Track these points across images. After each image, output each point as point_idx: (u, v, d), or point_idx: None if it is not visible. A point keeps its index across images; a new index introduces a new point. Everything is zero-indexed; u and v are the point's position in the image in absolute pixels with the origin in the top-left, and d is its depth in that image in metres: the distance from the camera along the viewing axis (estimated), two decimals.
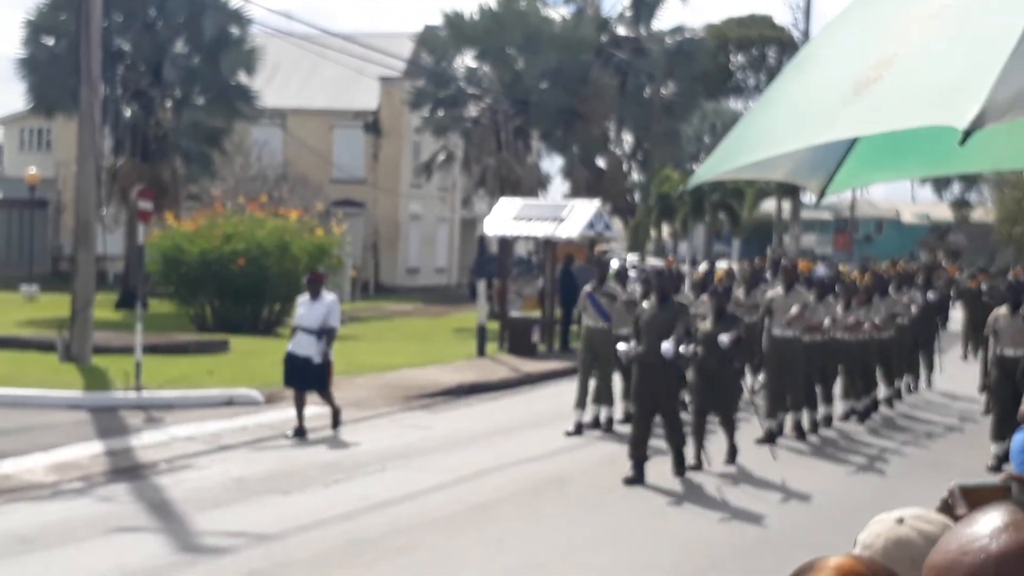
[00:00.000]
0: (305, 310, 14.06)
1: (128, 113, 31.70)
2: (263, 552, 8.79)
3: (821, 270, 29.80)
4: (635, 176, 51.92)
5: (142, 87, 31.78)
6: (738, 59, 68.89)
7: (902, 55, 2.10)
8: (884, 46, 2.18)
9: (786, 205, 60.74)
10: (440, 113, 41.22)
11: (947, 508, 1.74)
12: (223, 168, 35.45)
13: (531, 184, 40.32)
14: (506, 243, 29.67)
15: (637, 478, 11.56)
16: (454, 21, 40.87)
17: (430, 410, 16.36)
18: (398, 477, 11.67)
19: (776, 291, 14.93)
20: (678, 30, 46.43)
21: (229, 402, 15.96)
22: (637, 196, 52.45)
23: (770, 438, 13.87)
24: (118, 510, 10.06)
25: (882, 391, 17.34)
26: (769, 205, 63.64)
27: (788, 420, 14.64)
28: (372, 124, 45.22)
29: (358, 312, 32.57)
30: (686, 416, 12.82)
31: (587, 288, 15.43)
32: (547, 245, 29.10)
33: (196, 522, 9.63)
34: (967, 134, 1.79)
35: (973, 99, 1.79)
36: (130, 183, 30.19)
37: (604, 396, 15.00)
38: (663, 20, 48.97)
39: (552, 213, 30.06)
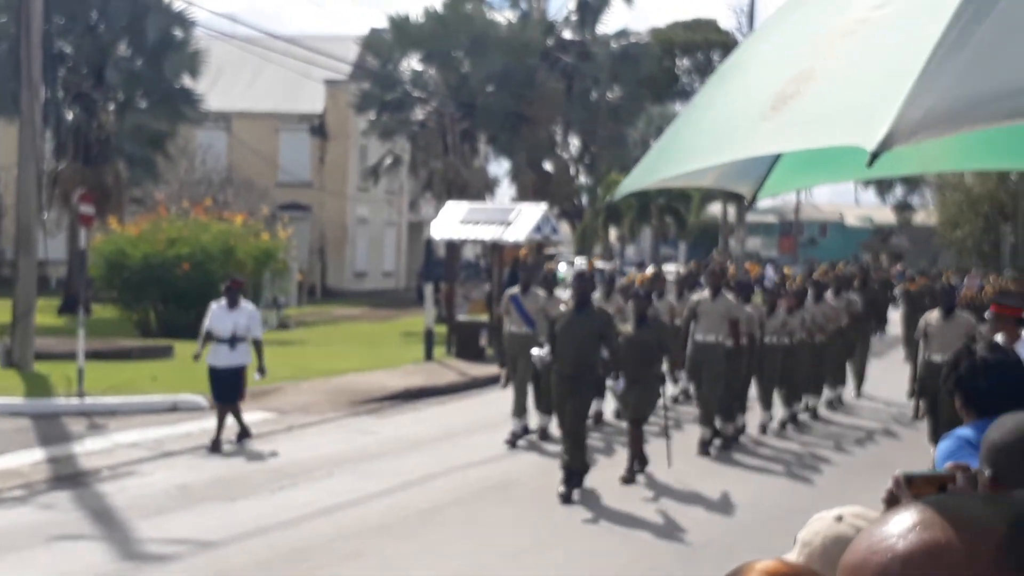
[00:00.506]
0: (218, 319, 13.42)
1: (70, 116, 31.33)
2: (207, 559, 8.72)
3: (770, 273, 29.58)
4: (582, 180, 52.09)
5: (84, 90, 31.42)
6: (684, 63, 69.35)
7: (819, 71, 2.12)
8: (802, 61, 2.19)
9: (731, 209, 61.21)
10: (386, 116, 41.11)
11: (893, 500, 1.75)
12: (167, 172, 35.14)
13: (478, 188, 40.33)
14: (453, 247, 29.65)
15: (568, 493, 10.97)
16: (399, 24, 40.78)
17: (377, 415, 16.31)
18: (344, 483, 11.61)
19: (702, 295, 14.40)
20: (623, 34, 46.64)
21: (173, 408, 15.82)
22: (584, 200, 52.63)
23: (704, 448, 13.59)
24: (60, 518, 9.93)
25: (813, 397, 16.80)
26: (715, 208, 64.06)
27: (720, 423, 14.13)
28: (318, 127, 45.02)
29: (304, 316, 32.39)
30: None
31: (512, 291, 14.79)
32: (494, 249, 29.12)
33: (139, 529, 9.53)
34: (874, 156, 1.81)
35: (882, 120, 1.80)
36: (72, 187, 29.82)
37: (517, 408, 14.09)
38: (608, 24, 49.35)
39: (499, 217, 30.09)
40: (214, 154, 40.98)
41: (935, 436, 15.20)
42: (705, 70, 67.49)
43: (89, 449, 12.83)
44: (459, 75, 41.12)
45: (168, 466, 12.21)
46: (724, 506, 11.13)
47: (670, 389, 15.92)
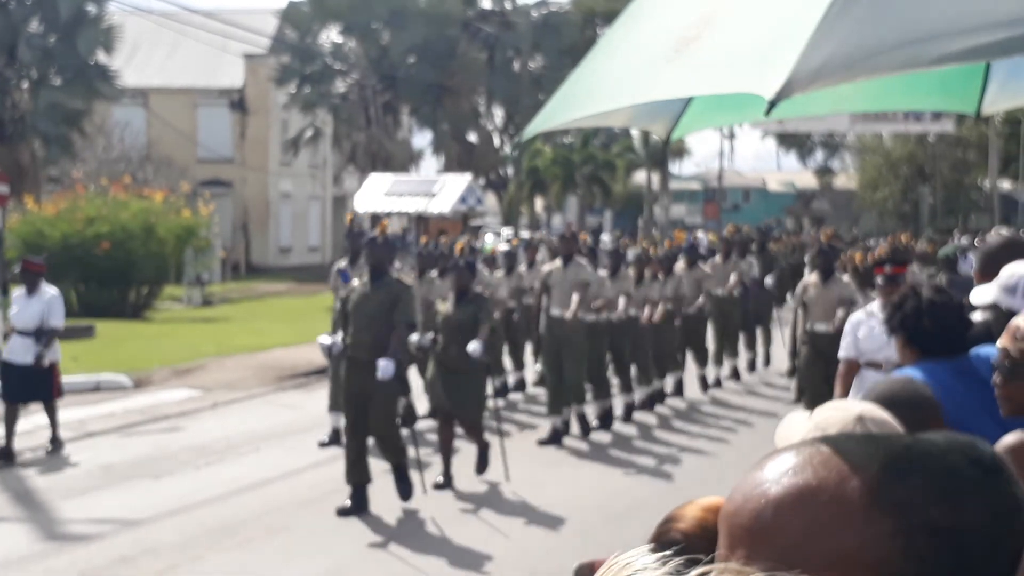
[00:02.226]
0: (20, 307, 11.50)
1: None
2: (133, 538, 8.63)
3: (703, 238, 28.32)
4: (506, 150, 52.07)
5: None
6: (605, 32, 69.37)
7: (719, 15, 2.12)
8: (703, 4, 2.19)
9: (656, 177, 61.50)
10: (307, 89, 40.81)
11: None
12: (84, 150, 34.58)
13: (402, 160, 40.21)
14: (378, 219, 29.55)
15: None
16: None
17: (304, 389, 16.22)
18: (271, 457, 11.56)
19: (554, 264, 12.73)
20: (543, 3, 46.61)
21: (96, 388, 15.61)
22: (510, 170, 52.62)
23: (555, 438, 12.16)
24: None
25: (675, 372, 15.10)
26: (640, 177, 64.35)
27: (572, 414, 12.53)
28: (238, 102, 44.51)
29: (229, 293, 32.10)
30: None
31: (340, 264, 12.61)
32: (419, 221, 29.05)
33: (62, 510, 9.41)
34: (772, 104, 1.81)
35: (780, 68, 1.81)
36: None
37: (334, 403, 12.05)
38: None
39: (423, 188, 30.04)
40: (132, 131, 40.35)
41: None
42: None
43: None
44: (379, 47, 40.87)
45: (91, 446, 12.05)
46: (560, 510, 9.49)
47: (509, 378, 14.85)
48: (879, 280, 8.24)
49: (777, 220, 62.95)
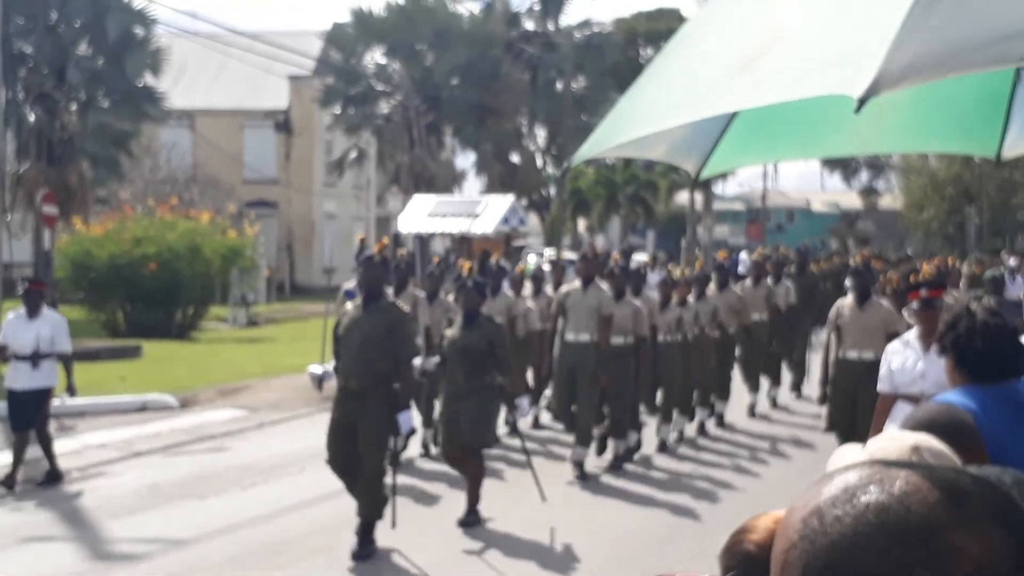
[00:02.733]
0: (17, 330, 11.03)
1: (32, 117, 31.06)
2: (178, 558, 8.69)
3: (746, 259, 27.57)
4: (549, 170, 52.11)
5: (45, 90, 31.16)
6: (647, 52, 69.37)
7: (787, 31, 2.11)
8: (769, 22, 2.18)
9: (699, 197, 61.35)
10: (351, 111, 41.04)
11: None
12: (131, 171, 34.95)
13: (445, 180, 40.32)
14: (422, 240, 29.61)
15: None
16: (362, 18, 40.68)
17: None
18: (315, 478, 11.59)
19: (572, 286, 11.92)
20: (586, 24, 46.67)
21: (143, 408, 15.74)
22: (552, 190, 52.65)
23: (581, 473, 11.47)
24: (30, 520, 9.88)
25: (720, 402, 14.64)
26: (683, 197, 64.21)
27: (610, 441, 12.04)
28: (283, 123, 44.86)
29: (274, 313, 32.29)
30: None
31: (346, 285, 12.33)
32: (462, 241, 29.09)
33: (109, 529, 9.49)
34: (862, 102, 1.80)
35: (866, 67, 1.79)
36: (35, 188, 29.57)
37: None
38: (571, 15, 49.23)
39: (467, 209, 30.09)
40: (179, 152, 40.76)
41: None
42: None
43: (58, 451, 12.73)
44: (423, 68, 41.05)
45: (138, 466, 12.15)
46: (578, 548, 8.98)
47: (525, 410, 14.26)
48: (914, 305, 7.49)
49: (822, 241, 62.57)
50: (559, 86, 46.06)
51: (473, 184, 47.98)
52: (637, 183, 54.96)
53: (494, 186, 42.35)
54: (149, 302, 25.27)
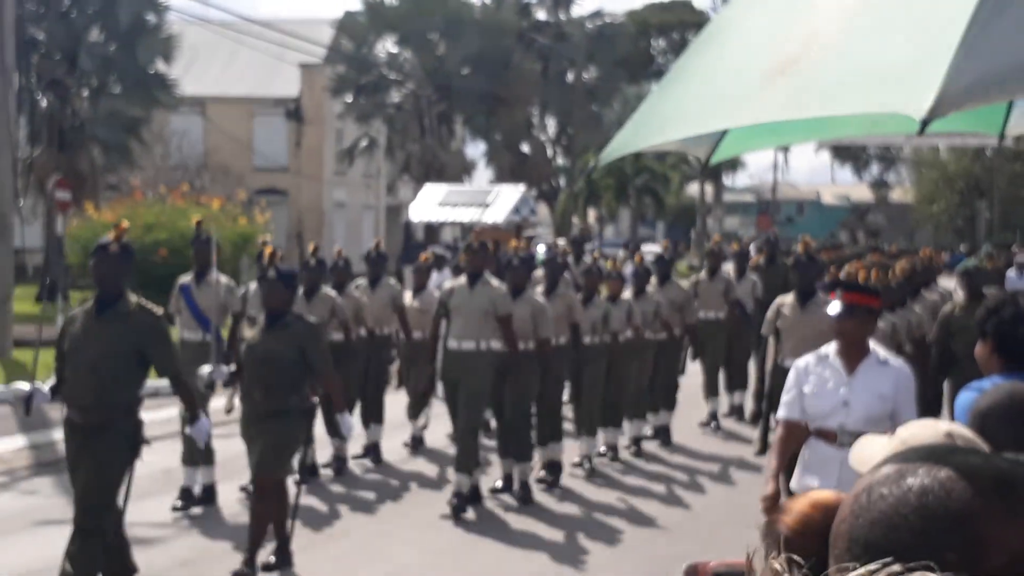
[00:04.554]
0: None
1: (44, 103, 31.11)
2: (192, 542, 8.71)
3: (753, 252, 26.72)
4: (559, 161, 52.10)
5: (57, 76, 31.19)
6: (659, 43, 69.35)
7: (825, 35, 2.07)
8: (801, 27, 2.14)
9: (709, 188, 61.35)
10: (362, 99, 41.04)
11: None
12: (142, 157, 34.97)
13: (455, 170, 40.32)
14: (432, 229, 29.63)
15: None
16: (374, 6, 40.65)
17: None
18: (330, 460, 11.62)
19: (457, 282, 9.98)
20: (598, 15, 46.63)
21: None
22: (562, 181, 52.64)
23: (459, 504, 9.47)
24: (43, 503, 9.90)
25: (654, 415, 12.72)
26: (693, 189, 64.16)
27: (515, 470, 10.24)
28: (293, 111, 44.87)
29: None
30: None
31: (183, 279, 10.33)
32: (472, 230, 29.07)
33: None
34: (924, 124, 1.78)
35: (923, 87, 1.76)
36: (47, 174, 29.62)
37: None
38: (583, 5, 49.19)
39: (477, 199, 30.10)
40: (190, 139, 40.80)
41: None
42: (680, 50, 67.45)
43: None
44: (435, 57, 41.03)
45: (151, 451, 12.13)
46: None
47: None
48: (831, 310, 5.53)
49: (831, 233, 62.50)
50: (570, 76, 46.03)
51: (483, 174, 48.04)
52: (648, 174, 54.94)
53: (504, 176, 42.36)
54: (160, 288, 25.24)
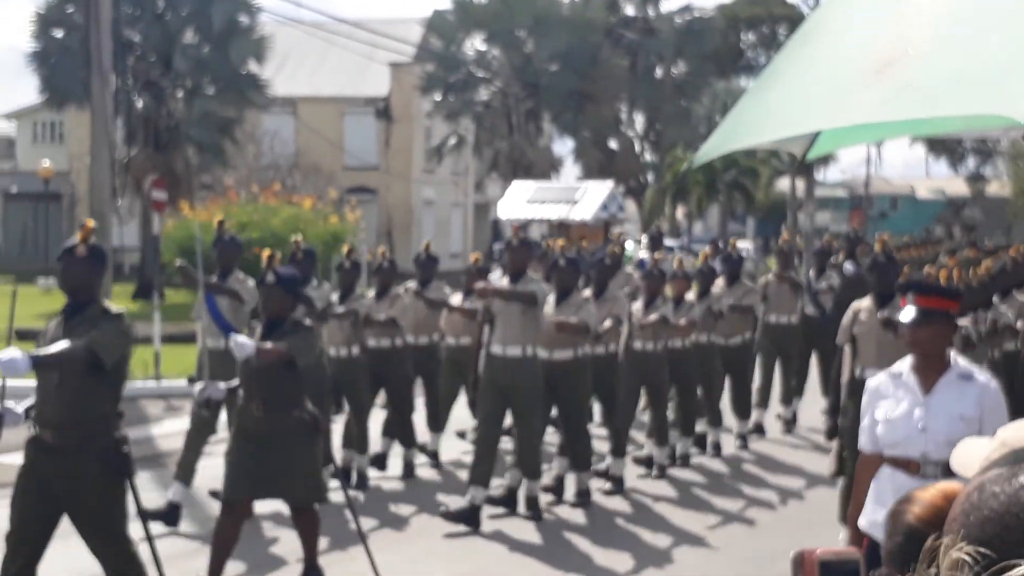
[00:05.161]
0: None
1: (140, 104, 31.77)
2: (290, 534, 8.83)
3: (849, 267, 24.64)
4: (647, 157, 51.85)
5: (153, 78, 31.84)
6: (749, 37, 68.66)
7: (922, 37, 2.04)
8: (898, 27, 2.11)
9: (800, 184, 60.61)
10: (451, 97, 41.23)
11: None
12: (235, 157, 35.54)
13: (543, 167, 40.34)
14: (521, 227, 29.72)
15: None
16: (463, 4, 40.82)
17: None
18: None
19: (500, 282, 9.52)
20: (687, 9, 46.33)
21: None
22: (650, 177, 52.41)
23: (470, 518, 9.02)
24: None
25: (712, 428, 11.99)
26: (783, 184, 63.49)
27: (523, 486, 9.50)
28: (383, 110, 45.23)
29: None
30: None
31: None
32: (561, 228, 29.06)
33: (214, 508, 9.64)
34: None
35: None
36: (143, 174, 30.31)
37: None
38: (672, 0, 48.78)
39: (565, 195, 30.09)
40: (281, 139, 41.35)
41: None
42: (770, 44, 66.79)
43: (166, 431, 13.04)
44: (522, 54, 41.08)
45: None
46: None
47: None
48: (904, 318, 4.83)
49: (926, 229, 61.47)
50: (659, 72, 45.82)
51: (571, 171, 47.97)
52: (737, 169, 54.47)
53: (592, 172, 42.30)
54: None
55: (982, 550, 1.07)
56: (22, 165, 46.20)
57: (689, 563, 8.40)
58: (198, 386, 7.12)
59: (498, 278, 11.32)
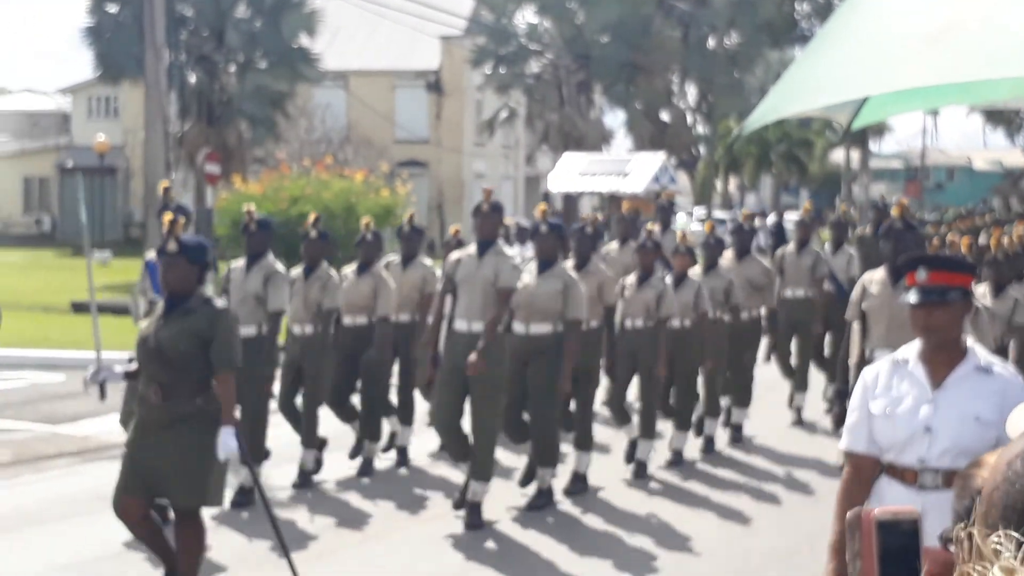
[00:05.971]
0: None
1: (193, 78, 32.00)
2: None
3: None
4: (700, 129, 51.50)
5: (205, 52, 32.04)
6: (803, 7, 67.88)
7: (980, 4, 2.02)
8: None
9: (855, 155, 60.02)
10: (502, 70, 41.17)
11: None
12: (287, 131, 35.70)
13: (594, 139, 40.21)
14: (571, 199, 29.60)
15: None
16: None
17: None
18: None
19: (466, 252, 8.39)
20: None
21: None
22: (702, 149, 52.07)
23: (475, 519, 8.16)
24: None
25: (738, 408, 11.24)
26: (837, 155, 62.88)
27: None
28: (434, 83, 45.24)
29: None
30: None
31: (149, 255, 9.17)
32: (612, 200, 28.99)
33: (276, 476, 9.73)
34: None
35: None
36: (197, 148, 30.56)
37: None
38: None
39: (617, 168, 29.98)
40: (332, 113, 41.48)
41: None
42: (825, 14, 65.93)
43: None
44: (573, 26, 40.92)
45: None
46: None
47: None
48: (910, 297, 3.88)
49: (983, 200, 60.66)
50: (711, 43, 45.44)
51: (622, 143, 47.76)
52: (790, 141, 54.02)
53: (643, 144, 42.07)
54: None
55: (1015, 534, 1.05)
56: (77, 140, 46.70)
57: (690, 564, 8.35)
58: (90, 369, 6.52)
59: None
